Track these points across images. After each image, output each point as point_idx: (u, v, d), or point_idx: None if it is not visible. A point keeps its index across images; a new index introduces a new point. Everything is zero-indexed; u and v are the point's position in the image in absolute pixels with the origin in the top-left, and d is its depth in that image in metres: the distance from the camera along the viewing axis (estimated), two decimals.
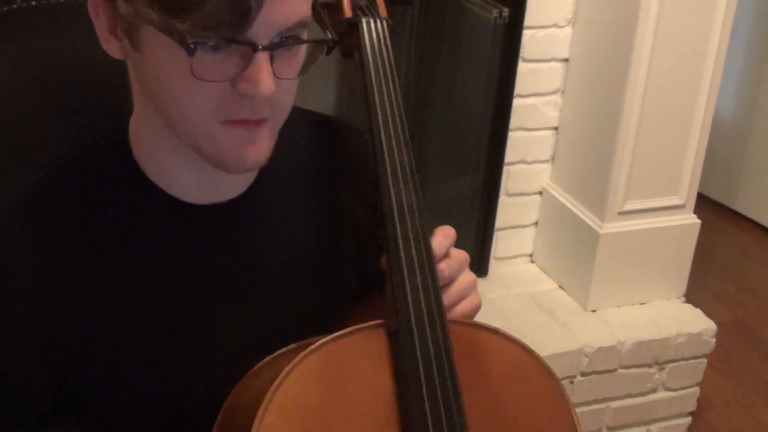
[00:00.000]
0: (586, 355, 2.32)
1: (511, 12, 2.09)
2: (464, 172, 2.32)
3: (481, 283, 2.53)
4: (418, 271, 0.93)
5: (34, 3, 1.16)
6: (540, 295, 2.51)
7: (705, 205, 2.54)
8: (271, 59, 0.82)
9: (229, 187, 0.98)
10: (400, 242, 0.94)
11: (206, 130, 0.86)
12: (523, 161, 2.51)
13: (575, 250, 2.47)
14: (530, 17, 2.32)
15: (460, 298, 0.99)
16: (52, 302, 0.91)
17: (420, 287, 0.93)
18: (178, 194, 0.96)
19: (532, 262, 2.65)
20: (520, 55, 2.35)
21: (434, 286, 0.94)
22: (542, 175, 2.55)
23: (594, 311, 2.45)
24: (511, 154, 2.47)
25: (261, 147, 0.88)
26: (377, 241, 1.09)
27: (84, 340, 0.92)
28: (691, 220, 2.47)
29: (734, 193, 3.59)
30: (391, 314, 0.93)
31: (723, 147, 3.49)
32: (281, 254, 1.03)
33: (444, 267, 0.97)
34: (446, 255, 0.98)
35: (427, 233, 0.96)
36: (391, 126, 0.99)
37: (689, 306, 2.52)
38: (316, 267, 1.07)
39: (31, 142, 1.10)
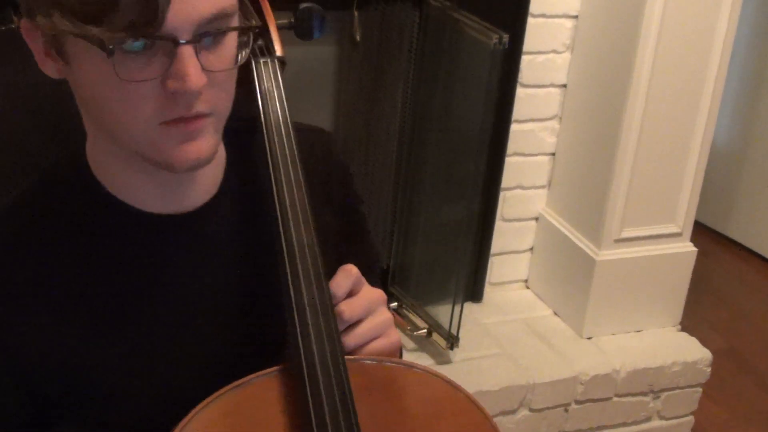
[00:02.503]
0: (581, 383, 2.31)
1: (510, 37, 2.09)
2: (460, 197, 2.30)
3: (476, 308, 2.52)
4: (308, 311, 0.92)
5: None
6: (535, 322, 2.50)
7: (699, 231, 2.53)
8: (197, 52, 0.82)
9: (192, 196, 0.98)
10: (290, 282, 0.93)
11: (145, 135, 0.86)
12: (520, 186, 2.50)
13: (571, 277, 2.46)
14: (528, 42, 2.32)
15: (371, 338, 0.97)
16: (22, 322, 0.90)
17: (311, 328, 0.91)
18: (142, 206, 0.95)
19: (527, 288, 2.64)
20: (518, 80, 2.34)
21: (329, 326, 0.92)
22: (538, 201, 2.55)
23: (589, 338, 2.44)
24: (507, 179, 2.46)
25: (203, 143, 0.88)
26: (352, 244, 1.09)
27: (53, 356, 0.91)
28: (687, 248, 2.46)
29: (728, 219, 3.59)
30: (290, 358, 0.92)
31: (717, 174, 3.49)
32: (244, 262, 1.02)
33: (344, 308, 0.95)
34: (351, 294, 0.96)
35: (323, 272, 0.95)
36: (281, 165, 0.99)
37: (685, 334, 2.51)
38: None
39: (20, 163, 1.08)
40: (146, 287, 0.96)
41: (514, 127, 2.40)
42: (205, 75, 0.83)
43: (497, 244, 2.53)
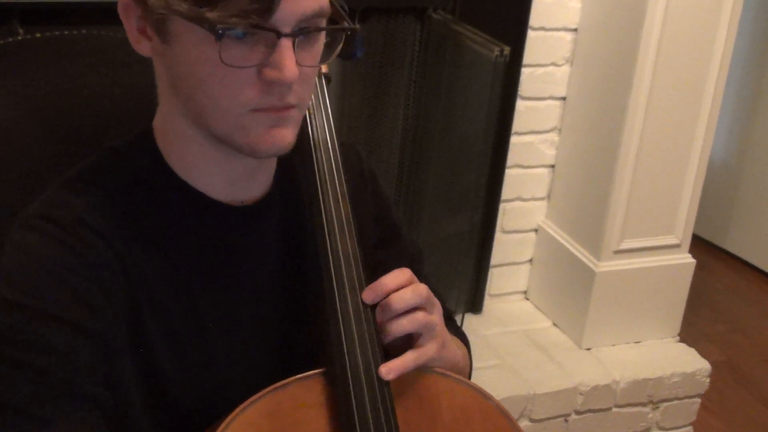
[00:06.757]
0: (581, 394, 2.32)
1: (510, 50, 2.11)
2: (461, 209, 2.32)
3: (476, 320, 2.53)
4: (352, 318, 0.95)
5: (39, 35, 1.16)
6: (534, 333, 2.51)
7: (696, 244, 2.55)
8: (294, 46, 0.86)
9: (252, 189, 1.01)
10: (335, 290, 0.96)
11: (237, 120, 0.89)
12: (520, 198, 2.52)
13: (570, 288, 2.47)
14: (528, 55, 2.34)
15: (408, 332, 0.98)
16: (90, 290, 0.89)
17: (355, 334, 0.94)
18: (210, 193, 0.98)
19: (527, 299, 2.65)
20: (518, 92, 2.36)
21: (371, 333, 0.95)
22: (538, 213, 2.56)
23: (588, 349, 2.45)
24: (507, 191, 2.48)
25: (288, 132, 0.92)
26: (391, 248, 1.12)
27: (113, 328, 0.90)
28: (686, 259, 2.48)
29: (725, 232, 3.60)
30: (329, 362, 0.95)
31: (714, 187, 3.50)
32: (286, 262, 1.05)
33: (394, 298, 0.96)
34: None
35: (365, 281, 0.98)
36: (328, 179, 1.02)
37: (683, 345, 2.53)
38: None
39: (32, 175, 1.09)
40: (207, 273, 0.98)
41: (513, 140, 2.41)
42: (298, 69, 0.87)
43: (497, 255, 2.54)
